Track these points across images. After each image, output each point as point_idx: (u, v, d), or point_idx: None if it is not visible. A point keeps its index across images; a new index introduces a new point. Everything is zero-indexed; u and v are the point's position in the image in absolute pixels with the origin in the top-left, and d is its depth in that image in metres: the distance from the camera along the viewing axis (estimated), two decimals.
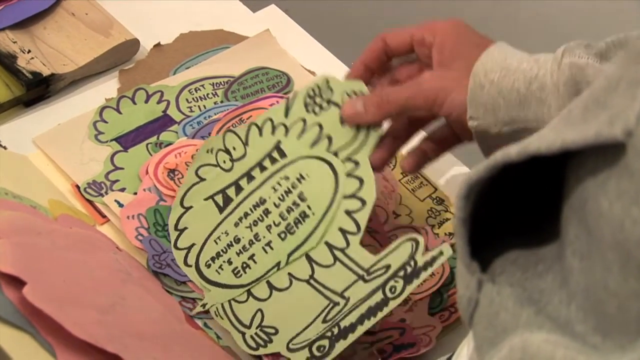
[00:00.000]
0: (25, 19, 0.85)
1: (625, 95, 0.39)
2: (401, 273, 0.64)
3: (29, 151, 0.78)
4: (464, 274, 0.45)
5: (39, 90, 0.81)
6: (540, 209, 0.46)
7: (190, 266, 0.70)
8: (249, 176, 0.71)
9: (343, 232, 0.68)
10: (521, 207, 0.47)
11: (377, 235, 0.74)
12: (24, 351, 0.51)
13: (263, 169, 0.71)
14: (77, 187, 0.75)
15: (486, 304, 0.44)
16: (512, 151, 0.41)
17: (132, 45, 0.87)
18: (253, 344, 0.66)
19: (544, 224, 0.46)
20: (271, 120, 0.72)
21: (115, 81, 0.85)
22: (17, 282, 0.53)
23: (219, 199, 0.71)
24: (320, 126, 0.71)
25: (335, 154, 0.70)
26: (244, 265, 0.69)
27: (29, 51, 0.82)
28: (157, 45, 0.88)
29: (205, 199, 0.71)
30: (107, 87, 0.84)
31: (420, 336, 0.69)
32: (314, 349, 0.65)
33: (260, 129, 0.72)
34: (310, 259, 0.69)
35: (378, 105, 0.67)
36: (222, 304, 0.68)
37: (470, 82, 0.63)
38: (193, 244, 0.70)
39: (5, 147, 0.78)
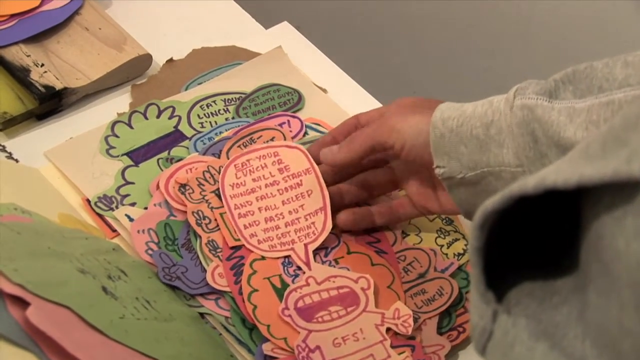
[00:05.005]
0: (39, 33, 0.86)
1: None
2: None
3: (40, 164, 0.78)
4: (478, 304, 0.44)
5: (51, 103, 0.82)
6: (556, 239, 0.46)
7: None
8: None
9: None
10: (537, 237, 0.47)
11: (385, 255, 0.74)
12: None
13: None
14: (88, 201, 0.76)
15: (501, 335, 0.44)
16: (529, 183, 0.41)
17: (145, 60, 0.87)
18: None
19: (560, 255, 0.45)
20: None
21: (128, 96, 0.85)
22: (21, 301, 0.53)
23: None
24: None
25: None
26: None
27: (42, 65, 0.83)
28: (170, 60, 0.88)
29: None
30: (119, 102, 0.85)
31: (430, 355, 0.69)
32: None
33: None
34: None
35: (348, 144, 0.71)
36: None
37: (431, 133, 0.66)
38: None
39: (17, 160, 0.78)
